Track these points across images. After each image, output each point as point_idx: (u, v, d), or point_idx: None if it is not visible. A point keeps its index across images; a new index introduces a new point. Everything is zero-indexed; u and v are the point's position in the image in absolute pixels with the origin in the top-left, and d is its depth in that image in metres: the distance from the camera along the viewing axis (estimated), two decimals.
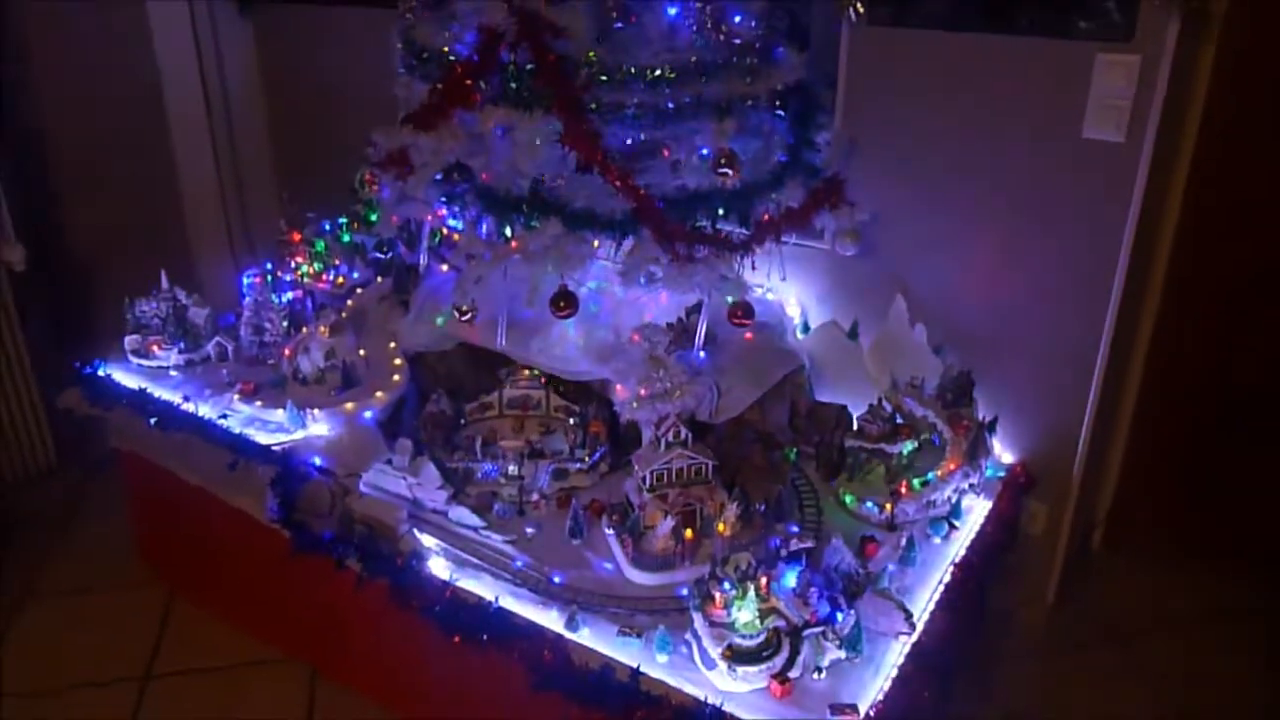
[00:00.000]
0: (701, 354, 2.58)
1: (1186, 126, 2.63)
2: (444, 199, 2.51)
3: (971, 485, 2.60)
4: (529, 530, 2.47)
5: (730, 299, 2.46)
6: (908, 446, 2.56)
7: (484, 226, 2.52)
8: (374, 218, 2.98)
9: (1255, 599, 2.96)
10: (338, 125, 3.21)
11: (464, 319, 2.50)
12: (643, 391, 2.39)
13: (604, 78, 2.31)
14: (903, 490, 2.51)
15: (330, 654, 2.70)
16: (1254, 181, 2.69)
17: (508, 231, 2.47)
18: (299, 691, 2.68)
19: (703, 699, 2.01)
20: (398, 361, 2.86)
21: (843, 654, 2.09)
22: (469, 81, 2.30)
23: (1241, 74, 2.56)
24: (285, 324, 2.99)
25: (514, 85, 2.32)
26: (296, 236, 3.19)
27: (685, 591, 2.20)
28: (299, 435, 2.71)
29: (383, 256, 2.93)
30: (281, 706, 2.64)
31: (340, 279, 3.14)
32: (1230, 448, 2.98)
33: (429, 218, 2.65)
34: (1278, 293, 2.79)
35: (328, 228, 3.19)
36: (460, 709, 2.46)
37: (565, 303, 2.42)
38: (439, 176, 2.41)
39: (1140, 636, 2.88)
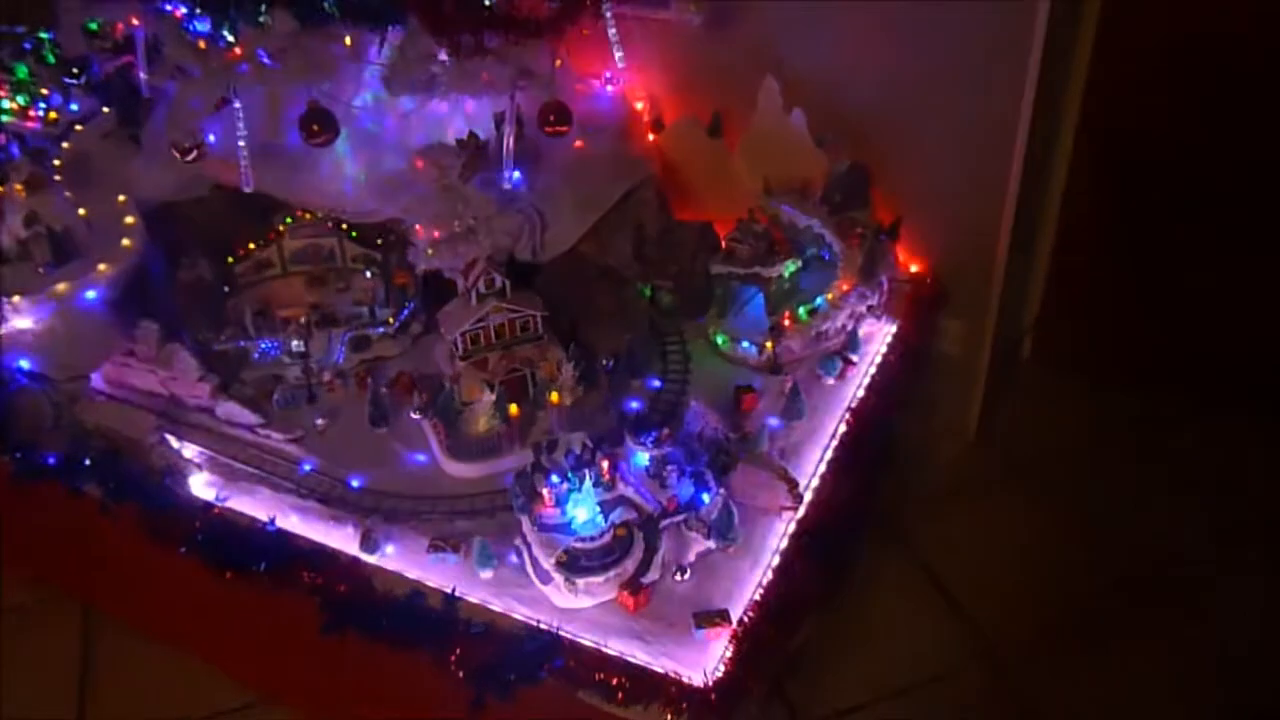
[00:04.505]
0: (514, 175, 2.17)
1: None
2: None
3: (870, 308, 2.35)
4: (319, 422, 2.16)
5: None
6: (789, 267, 2.28)
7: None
8: (94, 26, 2.37)
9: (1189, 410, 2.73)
10: None
11: (187, 159, 1.98)
12: (436, 233, 1.97)
13: None
14: (786, 323, 2.24)
15: (102, 591, 2.35)
16: None
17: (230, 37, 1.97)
18: (73, 634, 2.33)
19: (535, 623, 1.73)
20: (129, 220, 2.42)
21: (712, 544, 1.84)
22: None
23: None
24: None
25: None
26: None
27: None
28: None
29: (74, 81, 2.35)
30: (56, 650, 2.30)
31: (52, 112, 2.64)
32: (1174, 236, 2.67)
33: (136, 20, 2.06)
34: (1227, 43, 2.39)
35: (29, 47, 2.64)
36: (247, 645, 2.15)
37: (318, 125, 2.01)
38: None
39: (1069, 466, 2.64)
